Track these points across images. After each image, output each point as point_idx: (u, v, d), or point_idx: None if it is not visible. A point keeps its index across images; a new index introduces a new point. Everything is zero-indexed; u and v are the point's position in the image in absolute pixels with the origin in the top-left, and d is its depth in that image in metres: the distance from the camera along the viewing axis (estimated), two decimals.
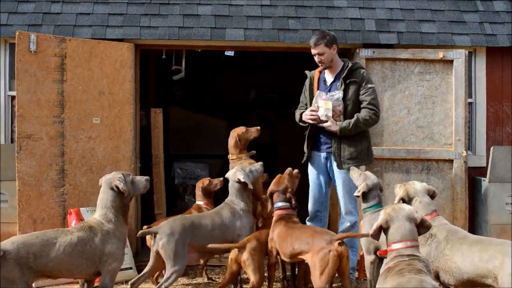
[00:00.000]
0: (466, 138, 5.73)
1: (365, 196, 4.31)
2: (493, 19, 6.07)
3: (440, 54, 5.68)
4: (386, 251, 3.19)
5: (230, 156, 5.24)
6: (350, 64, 4.82)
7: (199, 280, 5.21)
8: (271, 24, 5.88)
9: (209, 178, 5.33)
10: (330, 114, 4.69)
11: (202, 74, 9.77)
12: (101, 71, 5.49)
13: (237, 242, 4.42)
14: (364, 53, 5.69)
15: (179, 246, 4.19)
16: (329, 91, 4.84)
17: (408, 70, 5.75)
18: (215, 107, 9.87)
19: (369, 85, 4.82)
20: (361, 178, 4.38)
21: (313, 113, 4.76)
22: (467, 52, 5.71)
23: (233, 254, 4.29)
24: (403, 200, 3.90)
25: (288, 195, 4.51)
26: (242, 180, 4.57)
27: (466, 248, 3.51)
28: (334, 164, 4.83)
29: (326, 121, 4.69)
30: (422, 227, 3.17)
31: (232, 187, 4.67)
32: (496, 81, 6.08)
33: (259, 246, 4.29)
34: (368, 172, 4.47)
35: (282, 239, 4.25)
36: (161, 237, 4.20)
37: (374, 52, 5.70)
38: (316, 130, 4.90)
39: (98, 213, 3.90)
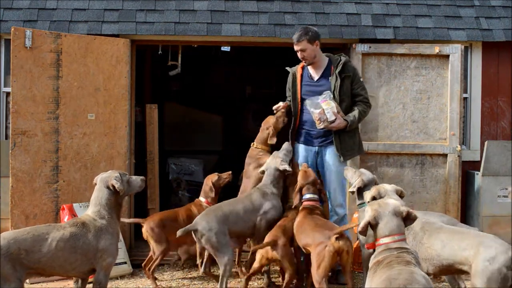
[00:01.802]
0: (460, 133, 5.75)
1: (361, 191, 4.32)
2: (489, 14, 6.07)
3: (436, 49, 5.68)
4: (374, 244, 3.25)
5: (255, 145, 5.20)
6: (343, 59, 4.88)
7: (194, 274, 5.23)
8: (267, 19, 5.87)
9: (216, 173, 5.27)
10: (336, 110, 4.74)
11: (198, 70, 9.77)
12: (97, 67, 5.49)
13: (263, 221, 4.54)
14: (361, 48, 5.69)
15: (220, 237, 4.32)
16: (318, 86, 4.90)
17: (404, 65, 5.76)
18: (211, 102, 9.87)
19: (361, 79, 5.01)
20: (356, 174, 4.42)
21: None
22: (463, 47, 5.71)
23: (264, 251, 4.31)
24: (374, 198, 3.92)
25: (318, 186, 4.56)
26: (289, 169, 4.70)
27: (446, 236, 3.70)
28: (329, 157, 4.89)
29: (334, 121, 4.73)
30: (408, 219, 3.24)
31: (271, 175, 4.72)
32: (491, 76, 6.08)
33: (288, 240, 4.37)
34: (362, 169, 4.52)
35: (297, 230, 4.33)
36: (202, 233, 4.31)
37: (370, 47, 5.71)
38: (304, 125, 4.97)
39: (91, 210, 3.89)
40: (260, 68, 9.54)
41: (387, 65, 5.75)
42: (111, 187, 3.89)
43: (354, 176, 4.43)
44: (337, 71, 4.84)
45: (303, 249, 4.34)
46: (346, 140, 4.88)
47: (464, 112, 6.02)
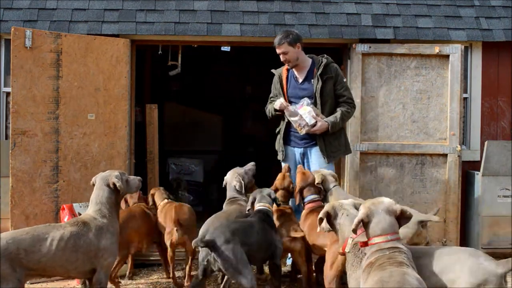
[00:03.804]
0: (460, 133, 5.75)
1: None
2: (489, 14, 6.07)
3: (436, 49, 5.68)
4: (366, 242, 3.15)
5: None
6: (324, 60, 4.91)
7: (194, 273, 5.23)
8: (267, 19, 5.87)
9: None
10: (315, 113, 4.76)
11: (198, 70, 9.77)
12: (97, 67, 5.49)
13: None
14: (361, 48, 5.69)
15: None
16: (302, 89, 4.94)
17: (404, 65, 5.75)
18: (211, 102, 9.87)
19: (344, 79, 5.04)
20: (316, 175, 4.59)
21: (284, 105, 4.86)
22: (463, 47, 5.70)
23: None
24: (328, 214, 3.63)
25: (318, 187, 4.55)
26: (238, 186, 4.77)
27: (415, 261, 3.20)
28: (314, 159, 4.93)
29: (315, 125, 4.75)
30: (402, 218, 3.14)
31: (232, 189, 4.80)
32: (491, 76, 6.08)
33: None
34: (321, 170, 4.70)
35: (312, 231, 4.28)
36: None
37: (370, 47, 5.70)
38: (291, 127, 4.98)
39: (92, 209, 3.90)
40: (260, 68, 9.54)
41: (387, 65, 5.75)
42: (112, 185, 3.92)
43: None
44: (318, 73, 4.87)
45: (316, 250, 4.35)
46: (331, 141, 4.91)
47: (464, 112, 6.02)
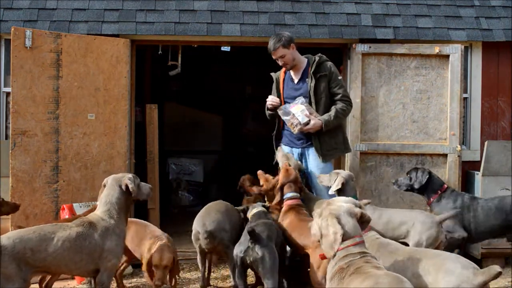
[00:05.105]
0: (460, 133, 5.75)
1: (342, 190, 4.36)
2: (489, 14, 6.07)
3: (436, 49, 5.69)
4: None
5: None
6: (317, 59, 4.90)
7: (194, 274, 5.23)
8: (267, 19, 5.87)
9: None
10: (307, 112, 4.74)
11: (198, 70, 9.76)
12: (97, 67, 5.49)
13: None
14: (361, 48, 5.70)
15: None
16: (297, 89, 4.94)
17: (404, 65, 5.76)
18: (211, 102, 9.86)
19: (339, 77, 4.98)
20: (333, 176, 4.47)
21: (275, 101, 4.90)
22: (463, 47, 5.71)
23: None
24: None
25: (299, 185, 4.54)
26: None
27: (399, 262, 3.30)
28: (312, 159, 4.89)
29: (308, 123, 4.71)
30: (362, 221, 3.07)
31: None
32: (491, 76, 6.09)
33: None
34: (337, 170, 4.61)
35: (293, 230, 4.27)
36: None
37: (370, 47, 5.71)
38: (287, 128, 4.97)
39: (101, 209, 3.87)
40: (260, 68, 9.55)
41: (387, 65, 5.75)
42: (124, 187, 3.88)
43: (331, 178, 4.49)
44: (311, 71, 4.87)
45: (295, 250, 4.32)
46: (326, 140, 4.85)
47: (464, 112, 6.02)
